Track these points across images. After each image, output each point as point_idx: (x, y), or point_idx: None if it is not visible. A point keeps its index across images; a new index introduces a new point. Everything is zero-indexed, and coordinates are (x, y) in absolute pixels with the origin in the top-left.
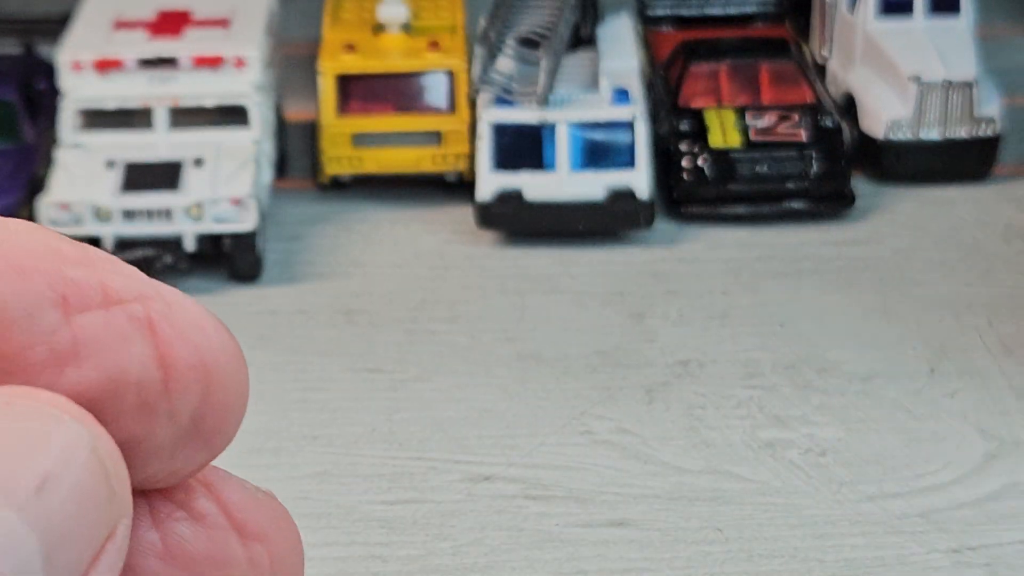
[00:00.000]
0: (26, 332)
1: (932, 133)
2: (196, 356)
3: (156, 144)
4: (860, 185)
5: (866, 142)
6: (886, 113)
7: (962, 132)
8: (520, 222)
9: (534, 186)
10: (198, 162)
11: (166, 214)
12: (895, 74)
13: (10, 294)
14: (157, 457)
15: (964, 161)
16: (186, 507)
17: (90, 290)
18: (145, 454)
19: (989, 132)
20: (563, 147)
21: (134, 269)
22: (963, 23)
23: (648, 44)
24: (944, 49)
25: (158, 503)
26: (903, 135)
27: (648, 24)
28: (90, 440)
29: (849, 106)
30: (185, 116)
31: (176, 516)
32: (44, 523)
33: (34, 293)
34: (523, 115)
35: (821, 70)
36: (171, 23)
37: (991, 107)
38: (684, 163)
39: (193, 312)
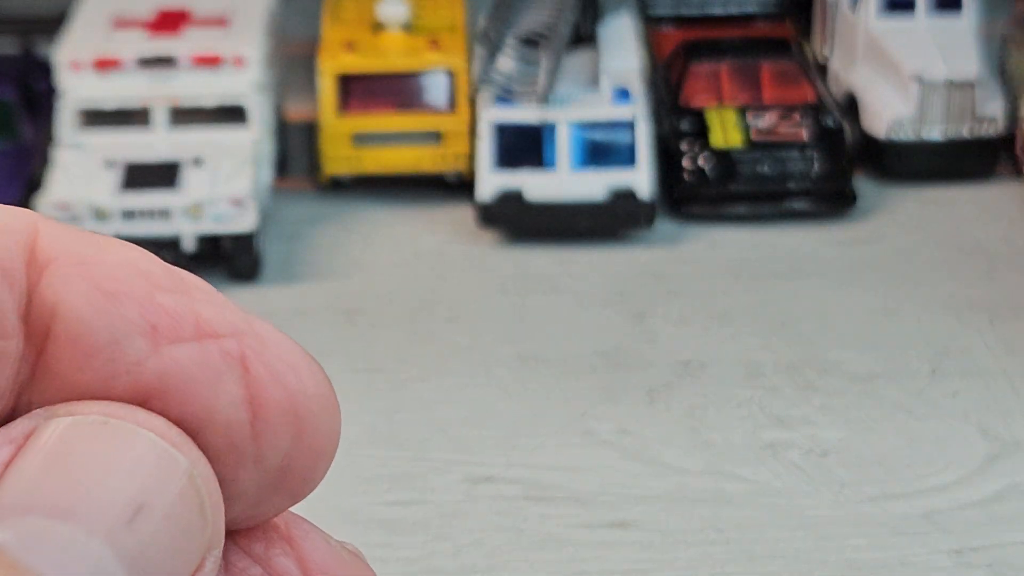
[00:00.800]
0: (110, 361)
1: (934, 132)
2: (288, 400)
3: (155, 144)
4: (861, 185)
5: (868, 141)
6: (888, 112)
7: (964, 131)
8: (521, 222)
9: (535, 186)
10: (197, 162)
11: (165, 214)
12: (897, 73)
13: (95, 319)
14: (239, 502)
15: (966, 160)
16: (264, 563)
17: (182, 320)
18: (227, 499)
19: (991, 131)
20: (564, 147)
21: (227, 299)
22: (966, 22)
23: (649, 43)
24: (946, 48)
25: (234, 556)
26: (905, 134)
27: (649, 23)
28: (187, 466)
29: (851, 105)
30: (184, 116)
31: (252, 573)
32: (134, 554)
33: (122, 319)
34: (524, 114)
35: (822, 69)
36: (170, 22)
37: (993, 106)
38: (685, 163)
39: (287, 351)
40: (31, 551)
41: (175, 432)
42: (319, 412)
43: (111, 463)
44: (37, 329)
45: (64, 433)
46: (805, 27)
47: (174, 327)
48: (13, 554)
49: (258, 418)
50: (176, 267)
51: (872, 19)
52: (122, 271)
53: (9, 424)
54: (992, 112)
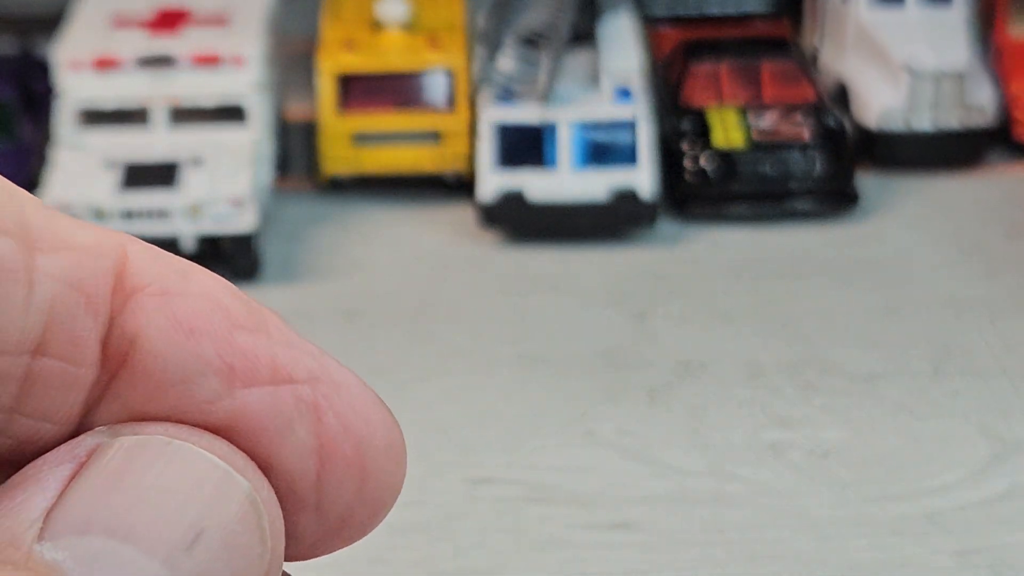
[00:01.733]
0: (182, 397)
1: (924, 122)
2: (356, 453)
3: (154, 144)
4: (862, 184)
5: (858, 131)
6: (878, 102)
7: (953, 121)
8: (522, 222)
9: (536, 186)
10: (197, 162)
11: (164, 214)
12: (887, 63)
13: (173, 355)
14: (295, 543)
15: (956, 150)
16: None
17: (259, 363)
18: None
19: (981, 121)
20: (565, 146)
21: (305, 340)
22: (956, 12)
23: (648, 42)
24: (936, 38)
25: None
26: (895, 124)
27: (647, 22)
28: (249, 492)
29: (841, 95)
30: (184, 115)
31: None
32: None
33: (199, 358)
34: (524, 114)
35: (813, 59)
36: (169, 22)
37: (983, 96)
38: (686, 163)
39: (360, 399)
40: (89, 571)
41: (239, 456)
42: (385, 465)
43: (173, 485)
44: (114, 356)
45: (128, 452)
46: (799, 22)
47: (250, 369)
48: (70, 574)
49: (325, 469)
50: (255, 302)
51: (863, 9)
52: (204, 305)
53: (73, 440)
54: (982, 102)
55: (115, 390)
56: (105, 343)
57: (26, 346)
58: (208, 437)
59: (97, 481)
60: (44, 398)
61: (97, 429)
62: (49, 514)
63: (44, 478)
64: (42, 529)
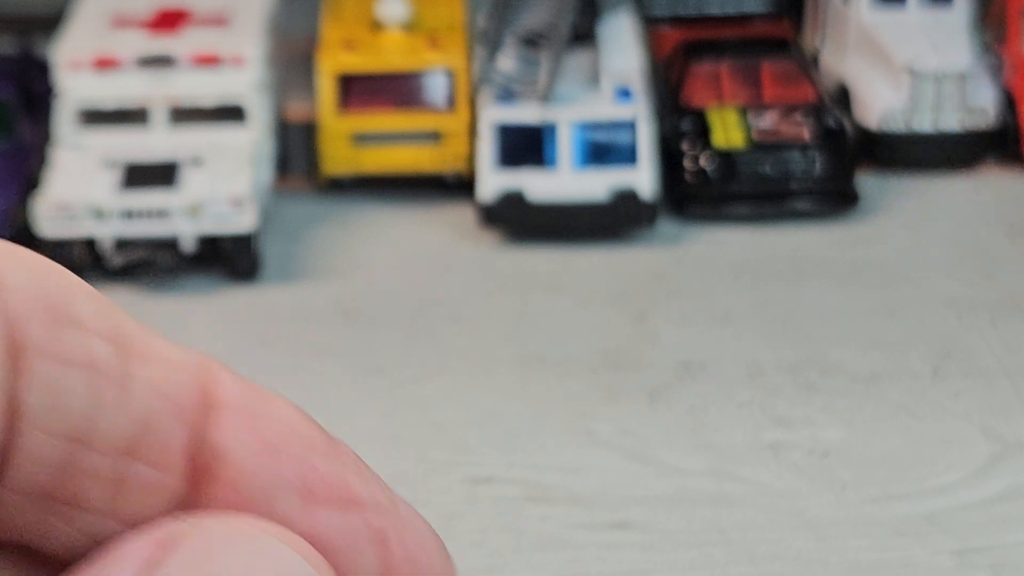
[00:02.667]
0: (263, 513)
1: (925, 123)
2: None
3: (154, 143)
4: (862, 184)
5: (859, 132)
6: (879, 103)
7: (954, 122)
8: (522, 222)
9: (536, 186)
10: (196, 161)
11: (164, 214)
12: (888, 64)
13: (257, 470)
14: None
15: (957, 151)
16: None
17: (335, 487)
18: None
19: (981, 122)
20: (565, 146)
21: (373, 472)
22: (957, 14)
23: (648, 43)
24: (938, 40)
25: None
26: (896, 125)
27: (648, 22)
28: None
29: (841, 96)
30: (183, 115)
31: None
32: None
33: (280, 476)
34: (525, 114)
35: (813, 60)
36: (169, 21)
37: (984, 97)
38: (687, 163)
39: (423, 532)
40: None
41: (322, 561)
42: None
43: (256, 573)
44: (199, 468)
45: (213, 537)
46: (800, 22)
47: (327, 491)
48: None
49: None
50: (328, 433)
51: (864, 10)
52: (286, 427)
53: (156, 522)
54: (982, 103)
55: (198, 500)
56: (192, 455)
57: (119, 448)
58: (292, 536)
59: (181, 563)
60: (132, 502)
61: (178, 515)
62: None
63: (125, 556)
64: None
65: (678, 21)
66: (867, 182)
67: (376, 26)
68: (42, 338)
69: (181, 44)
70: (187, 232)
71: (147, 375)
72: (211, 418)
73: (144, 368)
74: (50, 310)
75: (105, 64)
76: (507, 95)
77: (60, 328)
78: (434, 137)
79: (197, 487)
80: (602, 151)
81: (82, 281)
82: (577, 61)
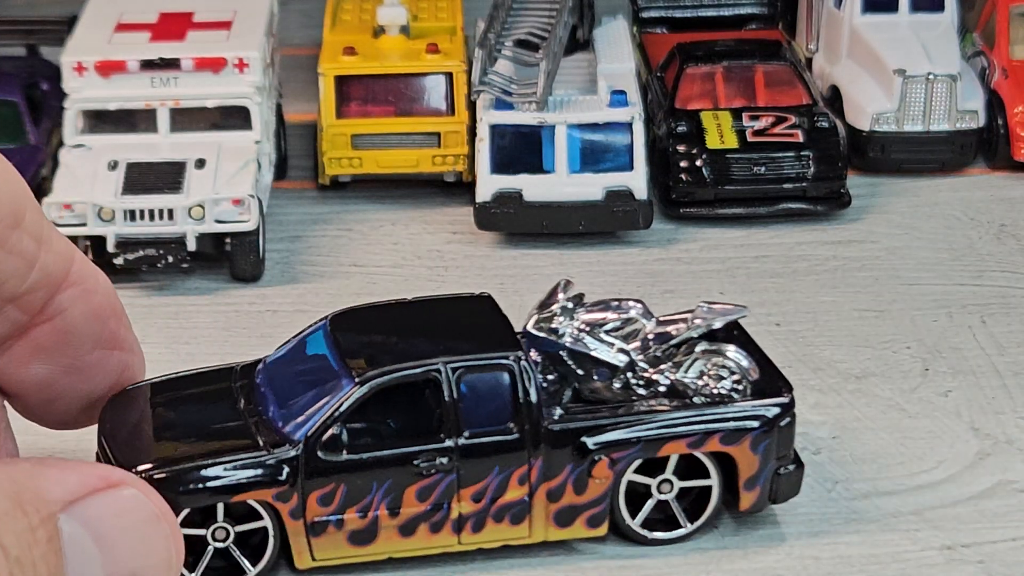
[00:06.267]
0: (68, 350)
1: (916, 125)
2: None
3: (158, 145)
4: (854, 185)
5: (851, 134)
6: (871, 106)
7: (945, 124)
8: (520, 222)
9: (533, 187)
10: (200, 163)
11: (168, 214)
12: (880, 68)
13: (79, 327)
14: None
15: (947, 152)
16: None
17: (117, 340)
18: None
19: (972, 125)
20: (562, 149)
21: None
22: (947, 19)
23: (642, 46)
24: (928, 44)
25: None
26: (887, 127)
27: (642, 26)
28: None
29: (834, 99)
30: (187, 117)
31: None
32: None
33: (91, 334)
34: (522, 117)
35: (807, 64)
36: (173, 25)
37: (974, 100)
38: (682, 164)
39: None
40: (77, 549)
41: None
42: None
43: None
44: (46, 313)
45: (126, 497)
46: (793, 27)
47: (111, 343)
48: (64, 539)
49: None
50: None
51: (856, 15)
52: (105, 301)
53: (108, 467)
54: (972, 106)
55: (30, 327)
56: (46, 304)
57: (20, 293)
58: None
59: (105, 506)
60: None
61: (120, 471)
62: (71, 504)
63: (82, 479)
64: (62, 509)
65: (673, 24)
66: (858, 183)
67: (376, 31)
68: (1, 235)
69: (185, 48)
70: (190, 232)
71: (44, 260)
72: (63, 287)
73: (47, 256)
74: (9, 214)
75: (111, 68)
76: (505, 98)
77: (12, 229)
78: (433, 140)
79: (38, 321)
80: (598, 153)
81: (29, 191)
82: (573, 65)
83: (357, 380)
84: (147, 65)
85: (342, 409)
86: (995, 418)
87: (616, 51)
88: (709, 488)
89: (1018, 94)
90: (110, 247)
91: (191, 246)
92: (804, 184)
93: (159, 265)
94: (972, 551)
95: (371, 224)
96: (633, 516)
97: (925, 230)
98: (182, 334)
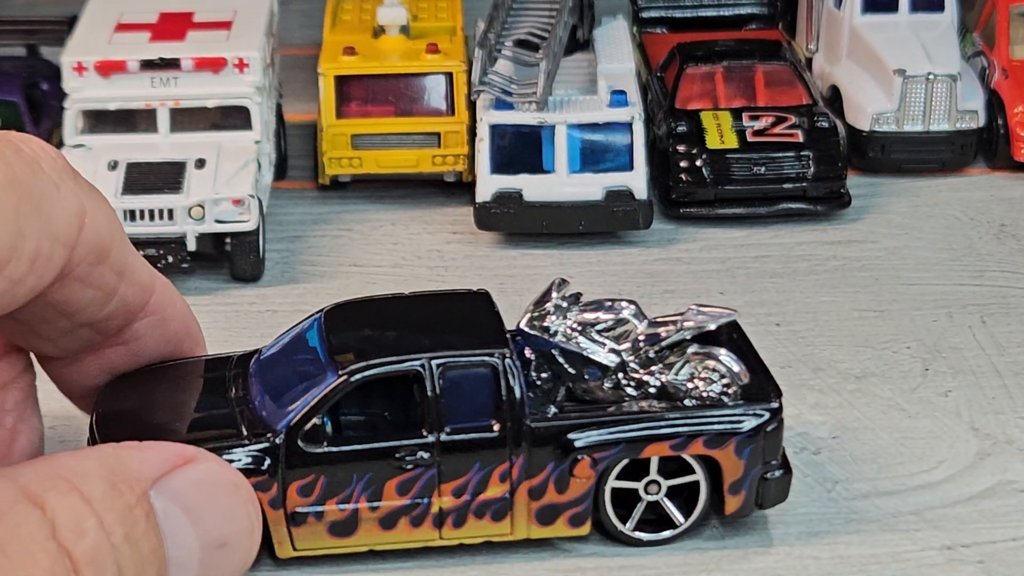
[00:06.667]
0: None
1: (916, 125)
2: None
3: (158, 145)
4: (854, 185)
5: (851, 134)
6: (871, 106)
7: (945, 124)
8: (520, 222)
9: (533, 187)
10: (200, 163)
11: (168, 214)
12: (880, 68)
13: (152, 351)
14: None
15: (946, 152)
16: None
17: (191, 364)
18: None
19: (972, 125)
20: (562, 149)
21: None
22: (947, 19)
23: (642, 46)
24: (928, 44)
25: None
26: (887, 127)
27: (642, 26)
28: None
29: (834, 99)
30: (187, 117)
31: None
32: None
33: (162, 356)
34: (522, 117)
35: (807, 64)
36: (173, 26)
37: (973, 100)
38: (682, 164)
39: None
40: (171, 523)
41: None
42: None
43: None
44: (124, 337)
45: (208, 469)
46: (793, 27)
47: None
48: (159, 515)
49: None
50: (196, 319)
51: (856, 15)
52: (181, 327)
53: (183, 445)
54: (972, 106)
55: (105, 348)
56: (122, 329)
57: (101, 319)
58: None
59: (188, 479)
60: (83, 334)
61: (193, 447)
62: (157, 481)
63: (163, 456)
64: (151, 486)
65: (673, 24)
66: (858, 183)
67: (376, 31)
68: (83, 271)
69: (185, 48)
70: (190, 232)
71: (123, 292)
72: (141, 316)
73: (127, 288)
74: (94, 251)
75: (110, 68)
76: (505, 99)
77: (95, 266)
78: (433, 140)
79: (112, 344)
80: (598, 153)
81: (119, 226)
82: (573, 65)
83: (340, 373)
84: (147, 65)
85: (323, 401)
86: (995, 418)
87: (616, 51)
88: (698, 485)
89: (1018, 94)
90: None
91: (191, 246)
92: (804, 184)
93: (159, 265)
94: (972, 551)
95: (371, 224)
96: (624, 521)
97: (925, 230)
98: None
